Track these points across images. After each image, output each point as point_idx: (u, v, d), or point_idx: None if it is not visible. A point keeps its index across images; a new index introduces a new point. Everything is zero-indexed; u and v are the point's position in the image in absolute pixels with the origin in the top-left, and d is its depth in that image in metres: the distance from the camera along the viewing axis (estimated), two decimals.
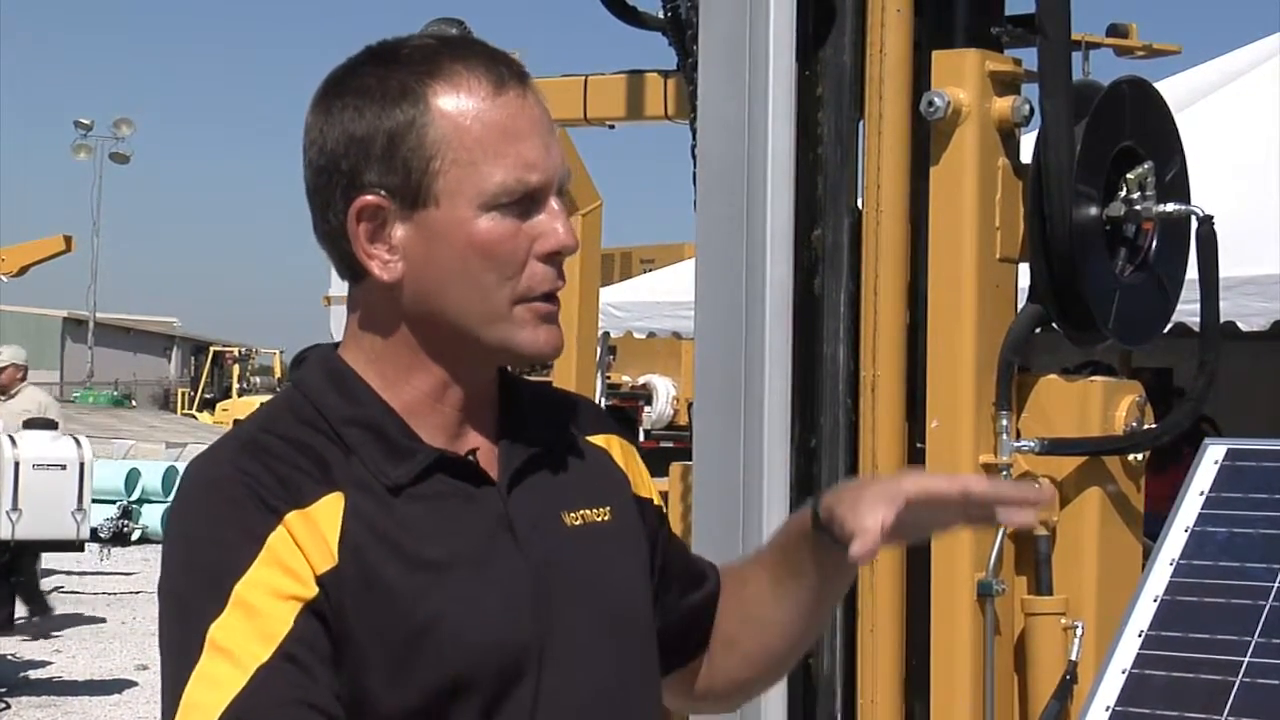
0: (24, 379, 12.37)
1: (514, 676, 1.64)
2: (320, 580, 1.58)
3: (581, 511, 1.77)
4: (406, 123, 1.65)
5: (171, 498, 17.32)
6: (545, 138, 1.69)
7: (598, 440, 1.87)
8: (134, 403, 44.40)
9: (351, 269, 1.70)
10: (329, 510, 1.61)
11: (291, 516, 1.59)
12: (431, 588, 1.62)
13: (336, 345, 1.76)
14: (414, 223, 1.66)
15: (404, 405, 1.70)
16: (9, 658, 11.15)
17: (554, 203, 1.70)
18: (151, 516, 18.73)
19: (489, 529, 1.68)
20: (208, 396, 45.93)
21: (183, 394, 48.32)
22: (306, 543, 1.58)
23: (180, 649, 1.58)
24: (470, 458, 1.70)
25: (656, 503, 1.93)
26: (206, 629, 1.55)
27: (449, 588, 1.63)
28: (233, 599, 1.56)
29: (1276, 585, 2.18)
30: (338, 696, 1.58)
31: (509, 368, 1.82)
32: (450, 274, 1.66)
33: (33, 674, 10.85)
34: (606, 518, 1.79)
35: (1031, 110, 3.13)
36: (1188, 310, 3.34)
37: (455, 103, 1.66)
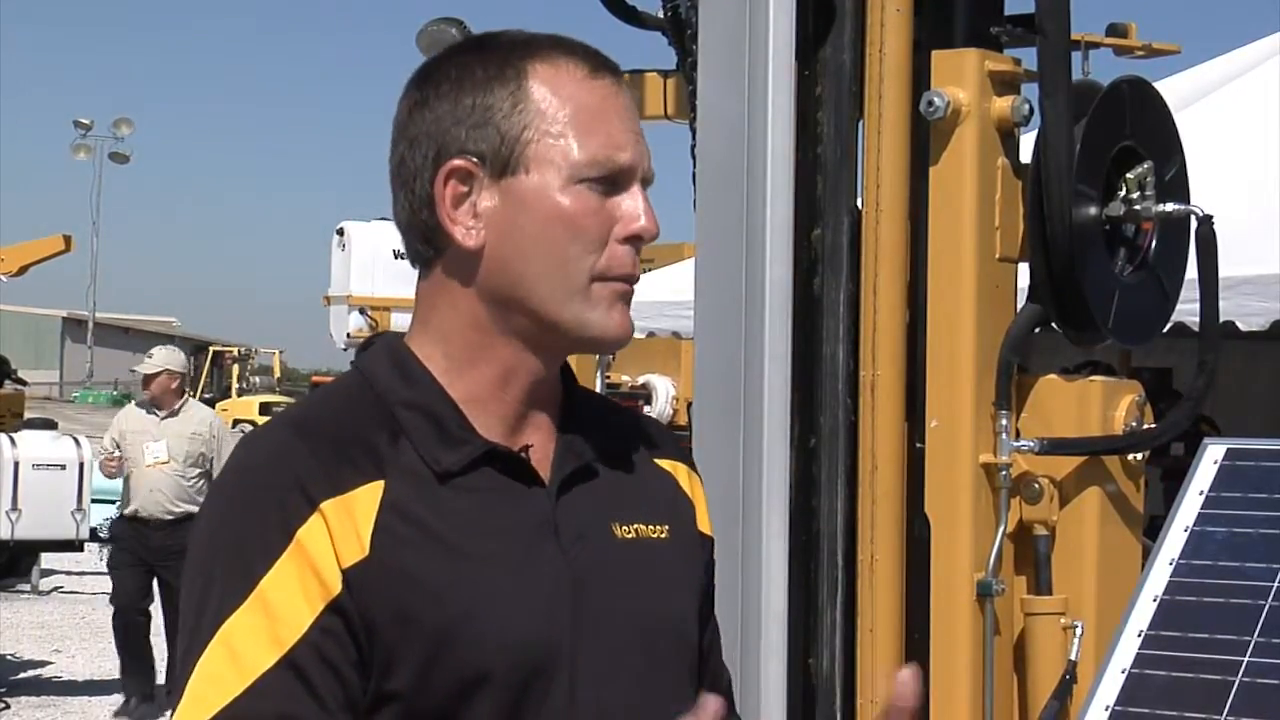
0: (182, 392, 9.77)
1: (545, 678, 1.63)
2: (346, 574, 1.58)
3: (635, 525, 1.75)
4: (503, 95, 1.68)
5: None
6: (634, 127, 1.73)
7: (664, 463, 1.86)
8: (134, 402, 44.42)
9: (431, 242, 1.71)
10: (367, 499, 1.60)
11: (328, 505, 1.59)
12: (465, 581, 1.61)
13: (402, 335, 1.77)
14: (500, 190, 1.68)
15: (465, 393, 1.69)
16: (9, 657, 11.15)
17: (638, 188, 1.71)
18: None
19: (532, 530, 1.67)
20: (207, 396, 45.81)
21: None
22: (339, 533, 1.58)
23: (196, 627, 1.59)
24: (523, 454, 1.70)
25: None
26: (223, 619, 1.56)
27: (483, 583, 1.62)
28: (255, 593, 1.56)
29: (1276, 585, 2.18)
30: (352, 701, 1.57)
31: (573, 372, 1.80)
32: (532, 243, 1.67)
33: (32, 673, 10.86)
34: (663, 535, 1.77)
35: (1031, 110, 3.13)
36: (1187, 310, 3.34)
37: (552, 81, 1.69)
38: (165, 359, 9.51)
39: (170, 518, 9.23)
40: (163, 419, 9.39)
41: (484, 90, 1.68)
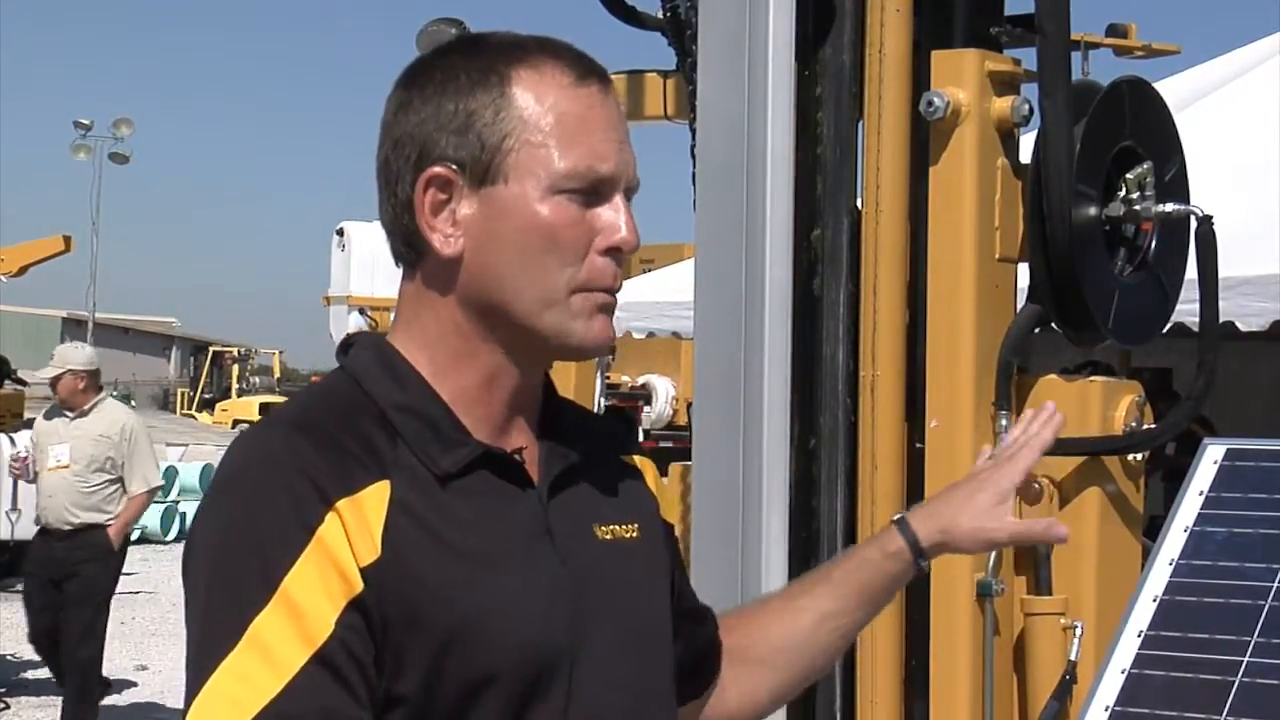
0: (96, 390, 8.78)
1: (547, 679, 1.64)
2: (364, 573, 1.58)
3: (612, 526, 1.77)
4: (487, 102, 1.67)
5: (175, 494, 16.94)
6: (619, 136, 1.71)
7: (632, 460, 1.89)
8: (133, 403, 44.44)
9: (412, 246, 1.70)
10: (375, 499, 1.60)
11: (343, 504, 1.58)
12: (471, 583, 1.62)
13: (384, 334, 1.76)
14: (480, 199, 1.67)
15: (452, 396, 1.70)
16: (9, 658, 11.15)
17: (620, 200, 1.70)
18: (151, 517, 18.73)
19: (528, 532, 1.68)
20: (207, 396, 45.95)
21: (182, 394, 48.32)
22: (354, 532, 1.58)
23: (218, 628, 1.57)
24: (517, 456, 1.70)
25: (677, 533, 1.95)
26: (250, 619, 1.55)
27: (489, 585, 1.63)
28: (280, 592, 1.55)
29: (1275, 585, 2.18)
30: (375, 697, 1.58)
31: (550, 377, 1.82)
32: (511, 253, 1.67)
33: (32, 674, 10.85)
34: (634, 534, 1.80)
35: (1031, 110, 3.13)
36: (1187, 310, 3.34)
37: (536, 88, 1.68)
38: (64, 358, 8.66)
39: (69, 528, 8.44)
40: (73, 420, 8.62)
41: (467, 95, 1.67)
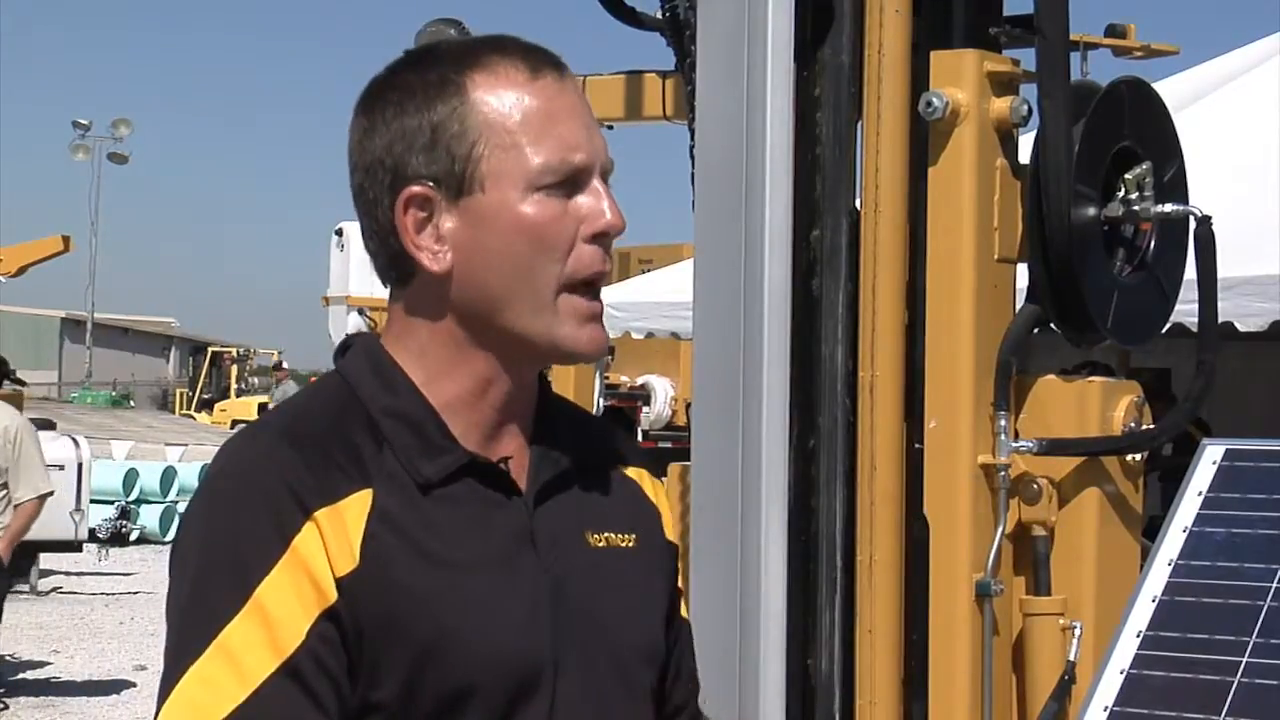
0: None
1: (529, 689, 1.64)
2: (340, 583, 1.58)
3: (606, 534, 1.76)
4: (448, 113, 1.67)
5: (174, 494, 16.88)
6: (585, 121, 1.71)
7: (630, 471, 1.87)
8: (132, 403, 44.43)
9: (400, 267, 1.71)
10: (356, 508, 1.61)
11: (321, 514, 1.59)
12: (451, 593, 1.62)
13: (379, 337, 1.77)
14: (461, 210, 1.67)
15: (443, 403, 1.69)
16: (8, 658, 11.14)
17: (599, 184, 1.70)
18: (150, 517, 18.74)
19: (511, 540, 1.68)
20: (206, 397, 45.90)
21: (181, 394, 48.29)
22: (332, 542, 1.59)
23: (190, 634, 1.58)
24: (502, 465, 1.70)
25: (675, 533, 1.93)
26: (220, 626, 1.55)
27: (469, 595, 1.63)
28: (252, 601, 1.56)
29: (1274, 585, 2.18)
30: (345, 709, 1.57)
31: (548, 379, 1.81)
32: (498, 259, 1.67)
33: (31, 674, 10.86)
34: (631, 544, 1.79)
35: (1030, 111, 3.13)
36: (1186, 310, 3.34)
37: (494, 90, 1.67)
38: None
39: None
40: None
41: (427, 109, 1.67)
